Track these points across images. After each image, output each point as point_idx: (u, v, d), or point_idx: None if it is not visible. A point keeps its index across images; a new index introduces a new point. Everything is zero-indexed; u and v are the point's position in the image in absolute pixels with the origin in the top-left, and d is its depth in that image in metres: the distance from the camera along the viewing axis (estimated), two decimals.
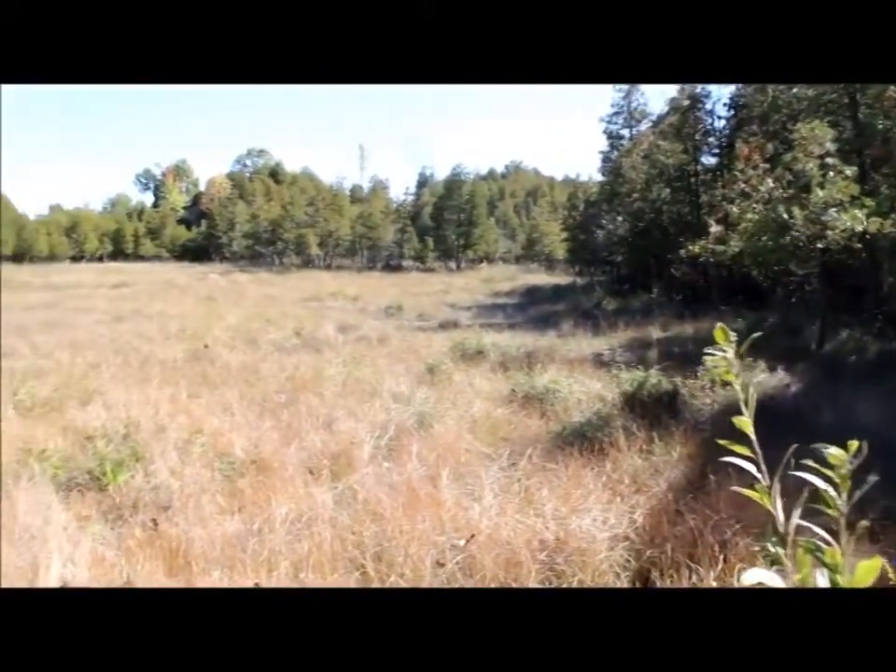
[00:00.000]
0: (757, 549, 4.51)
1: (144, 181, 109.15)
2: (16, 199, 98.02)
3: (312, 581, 4.66)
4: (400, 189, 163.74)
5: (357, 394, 9.63)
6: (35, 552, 4.98)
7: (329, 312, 22.74)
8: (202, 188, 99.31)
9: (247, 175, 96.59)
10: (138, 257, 78.84)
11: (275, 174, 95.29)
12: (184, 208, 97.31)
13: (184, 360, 13.06)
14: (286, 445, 7.23)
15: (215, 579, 4.64)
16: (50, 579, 4.59)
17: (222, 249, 75.45)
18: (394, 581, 4.66)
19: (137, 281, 42.33)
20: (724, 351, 1.38)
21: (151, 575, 4.68)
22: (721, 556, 4.55)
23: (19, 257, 69.33)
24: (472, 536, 5.00)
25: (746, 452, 1.38)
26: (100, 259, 77.39)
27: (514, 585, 4.67)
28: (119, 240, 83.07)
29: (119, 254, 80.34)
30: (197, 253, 77.44)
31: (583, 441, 7.16)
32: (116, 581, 4.55)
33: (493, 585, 4.71)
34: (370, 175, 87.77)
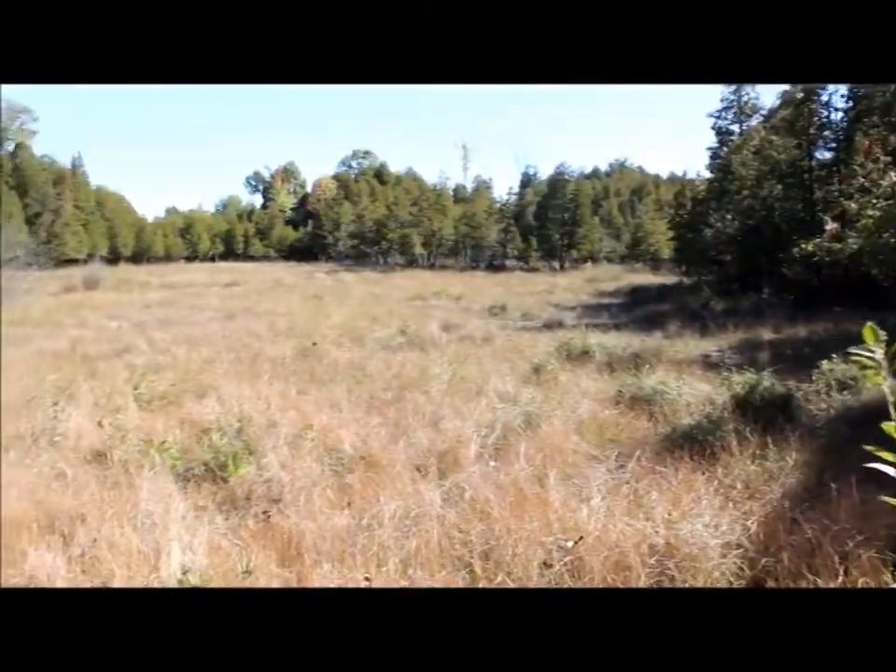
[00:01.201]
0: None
1: (253, 183, 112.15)
2: (136, 202, 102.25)
3: (420, 577, 4.68)
4: (504, 188, 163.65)
5: (463, 392, 9.64)
6: (157, 538, 5.17)
7: (432, 311, 22.85)
8: (308, 189, 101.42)
9: (353, 176, 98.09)
10: (248, 256, 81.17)
11: (380, 174, 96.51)
12: (291, 209, 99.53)
13: (293, 357, 13.34)
14: (393, 442, 7.29)
15: (325, 572, 4.71)
16: (171, 564, 4.75)
17: (328, 249, 76.93)
18: (501, 581, 4.63)
19: (247, 280, 43.56)
20: (872, 351, 1.31)
21: (265, 565, 4.79)
22: (842, 568, 4.35)
23: (137, 257, 72.25)
24: (581, 538, 4.93)
25: (892, 458, 1.30)
26: (212, 259, 79.96)
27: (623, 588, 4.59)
28: (231, 240, 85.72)
29: (230, 254, 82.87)
30: (304, 253, 79.15)
31: (693, 444, 6.97)
32: (235, 570, 4.67)
33: (601, 588, 4.65)
34: (473, 175, 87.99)
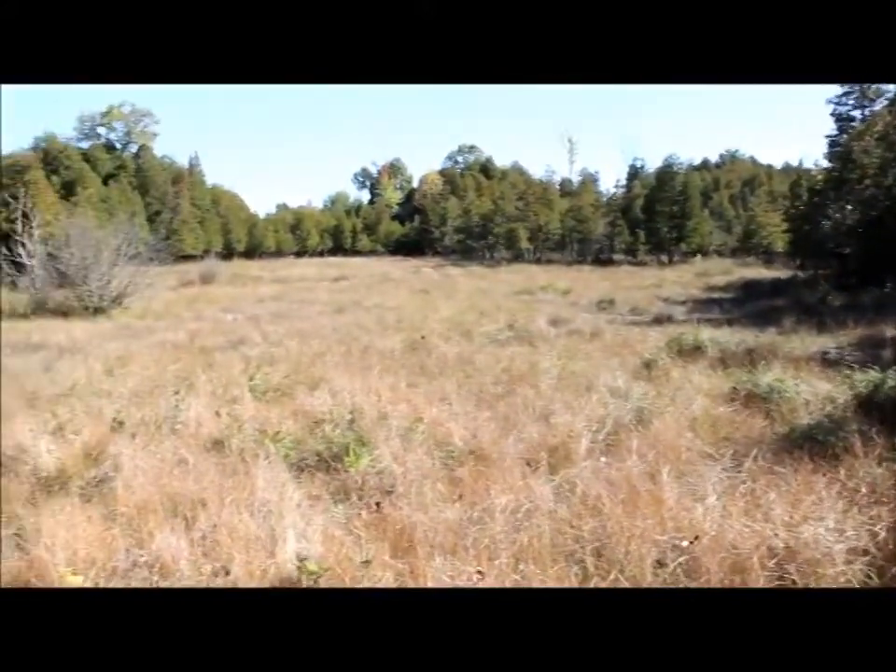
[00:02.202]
0: None
1: (361, 179, 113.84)
2: (248, 200, 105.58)
3: (531, 572, 4.65)
4: (611, 181, 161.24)
5: (573, 387, 9.54)
6: (273, 525, 5.31)
7: (540, 305, 22.71)
8: (415, 184, 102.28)
9: (458, 170, 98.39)
10: (355, 251, 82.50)
11: (486, 169, 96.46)
12: (398, 204, 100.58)
13: (402, 351, 13.48)
14: (503, 436, 7.28)
15: (437, 564, 4.74)
16: (287, 551, 4.87)
17: (434, 244, 77.42)
18: (614, 579, 4.56)
19: (355, 274, 44.27)
20: None
21: (378, 556, 4.85)
22: None
23: (250, 253, 74.42)
24: (696, 537, 4.82)
25: None
26: (320, 254, 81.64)
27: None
28: (339, 236, 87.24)
29: (338, 249, 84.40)
30: (410, 247, 79.89)
31: (813, 444, 6.70)
32: (350, 559, 4.75)
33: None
34: (579, 169, 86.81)
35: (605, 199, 69.61)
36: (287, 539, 5.01)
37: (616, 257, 64.29)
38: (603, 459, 6.59)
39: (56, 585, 4.60)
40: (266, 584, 4.63)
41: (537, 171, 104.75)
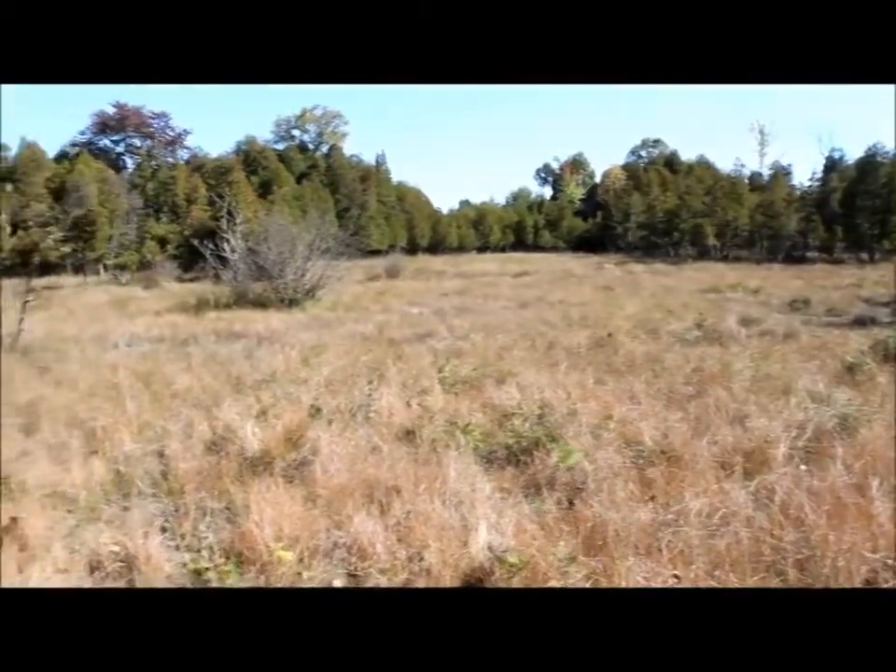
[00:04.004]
0: None
1: (543, 175, 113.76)
2: (432, 196, 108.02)
3: (728, 580, 4.50)
4: (805, 174, 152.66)
5: (768, 390, 9.12)
6: (465, 515, 5.39)
7: (729, 304, 21.82)
8: (597, 180, 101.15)
9: (642, 165, 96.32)
10: (537, 247, 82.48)
11: (671, 163, 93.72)
12: (580, 200, 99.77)
13: (587, 347, 13.33)
14: (695, 438, 7.06)
15: (631, 565, 4.66)
16: (479, 541, 4.93)
17: (617, 240, 76.19)
18: None
19: (537, 270, 44.22)
20: None
21: (572, 552, 4.83)
22: None
23: (433, 248, 76.04)
24: None
25: None
26: (502, 249, 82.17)
27: None
28: (520, 231, 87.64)
29: (519, 245, 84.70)
30: (591, 243, 78.98)
31: None
32: (543, 553, 4.75)
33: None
34: (770, 162, 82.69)
35: (798, 193, 65.99)
36: (479, 529, 5.07)
37: (809, 254, 60.80)
38: (803, 467, 6.27)
39: (264, 559, 4.89)
40: (458, 574, 4.71)
41: (725, 164, 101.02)
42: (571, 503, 5.70)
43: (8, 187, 17.49)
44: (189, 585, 4.67)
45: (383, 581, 4.67)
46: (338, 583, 4.68)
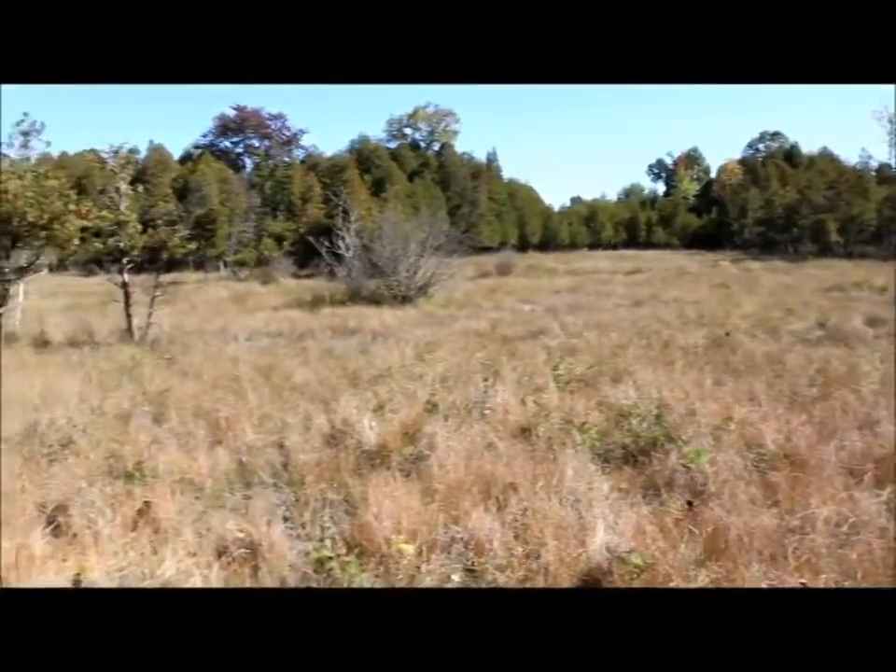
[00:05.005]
0: None
1: (656, 171, 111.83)
2: (543, 193, 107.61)
3: None
4: None
5: None
6: (582, 514, 5.35)
7: (854, 303, 20.86)
8: (713, 175, 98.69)
9: (760, 159, 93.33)
10: (650, 244, 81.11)
11: (790, 156, 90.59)
12: (695, 196, 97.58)
13: (704, 346, 13.03)
14: (821, 442, 6.80)
15: (755, 571, 4.54)
16: (596, 541, 4.88)
17: (733, 237, 74.15)
18: None
19: (650, 267, 43.45)
20: None
21: (689, 556, 4.73)
22: None
23: (544, 245, 75.76)
24: None
25: None
26: (613, 246, 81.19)
27: None
28: (633, 228, 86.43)
29: (631, 242, 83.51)
30: (705, 240, 77.22)
31: None
32: (665, 555, 4.68)
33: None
34: None
35: None
36: (597, 529, 5.02)
37: None
38: None
39: (383, 551, 4.97)
40: (575, 573, 4.68)
41: (850, 156, 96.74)
42: (691, 505, 5.58)
43: (140, 188, 18.20)
44: (310, 571, 4.81)
45: (500, 579, 4.68)
46: (455, 578, 4.71)
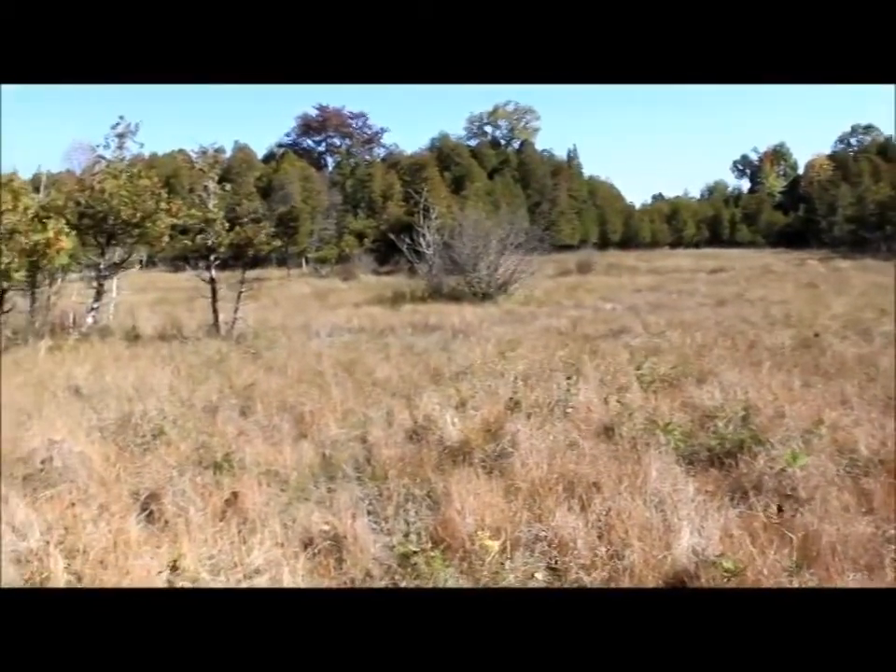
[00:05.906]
0: None
1: (740, 167, 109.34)
2: (624, 190, 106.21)
3: None
4: None
5: None
6: (667, 516, 5.29)
7: None
8: (800, 171, 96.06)
9: (851, 154, 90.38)
10: (733, 242, 79.42)
11: (885, 151, 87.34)
12: (781, 193, 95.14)
13: (792, 347, 12.69)
14: None
15: (849, 580, 4.42)
16: (682, 544, 4.82)
17: (820, 235, 72.03)
18: None
19: (733, 266, 42.49)
20: None
21: (783, 563, 4.62)
22: None
23: (625, 243, 74.87)
24: None
25: None
26: (696, 245, 79.77)
27: None
28: (716, 226, 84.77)
29: (714, 240, 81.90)
30: (792, 238, 75.21)
31: None
32: (753, 560, 4.59)
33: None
34: None
35: None
36: (683, 531, 4.96)
37: None
38: None
39: (466, 546, 5.00)
40: (661, 575, 4.63)
41: None
42: (781, 510, 5.45)
43: (227, 186, 18.66)
44: (395, 565, 4.86)
45: (585, 578, 4.66)
46: (539, 577, 4.70)
